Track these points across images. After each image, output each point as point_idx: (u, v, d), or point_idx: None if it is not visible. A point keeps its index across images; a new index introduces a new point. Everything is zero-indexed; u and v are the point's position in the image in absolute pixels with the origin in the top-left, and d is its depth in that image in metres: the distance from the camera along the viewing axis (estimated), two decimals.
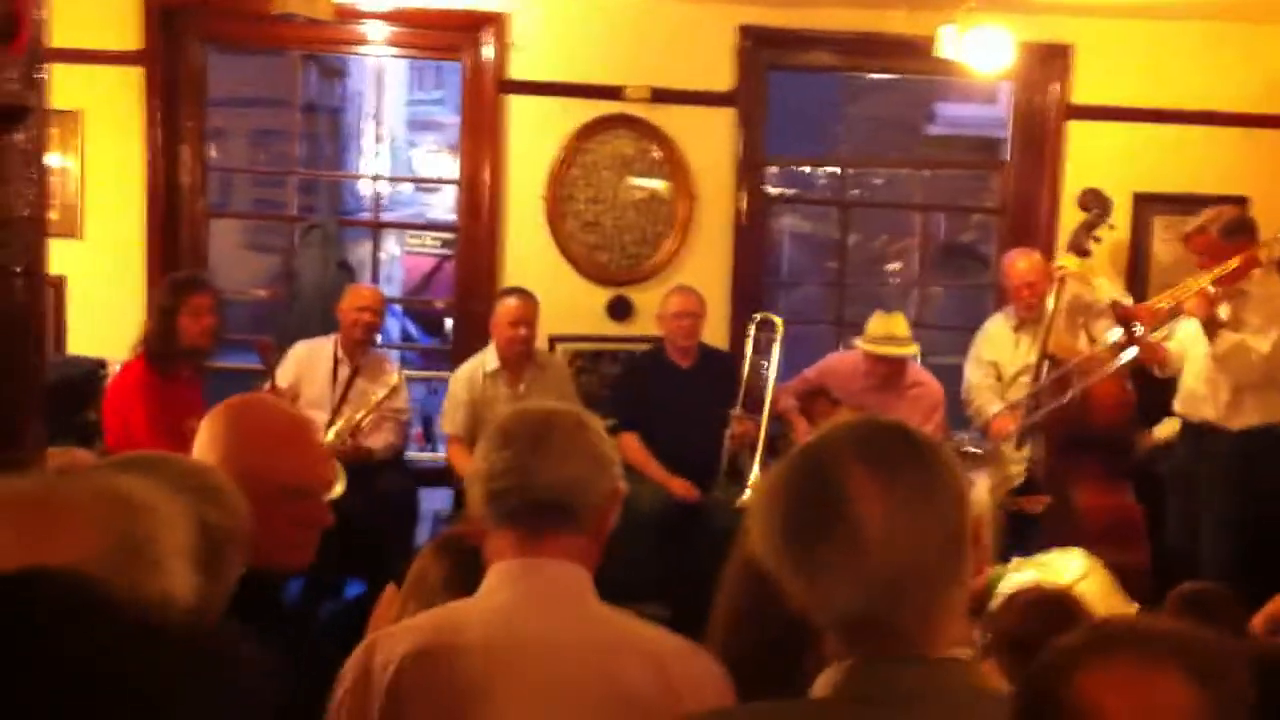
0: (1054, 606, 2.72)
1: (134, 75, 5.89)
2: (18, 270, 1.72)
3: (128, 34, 5.85)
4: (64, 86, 5.42)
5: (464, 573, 2.21)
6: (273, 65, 11.46)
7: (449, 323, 8.74)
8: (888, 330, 5.79)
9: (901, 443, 1.36)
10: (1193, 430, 5.08)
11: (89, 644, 0.92)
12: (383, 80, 15.89)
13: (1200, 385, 5.01)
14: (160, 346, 4.99)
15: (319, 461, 2.16)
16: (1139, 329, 4.95)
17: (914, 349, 5.86)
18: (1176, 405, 5.18)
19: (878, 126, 10.86)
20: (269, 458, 2.00)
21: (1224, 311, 4.84)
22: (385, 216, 12.80)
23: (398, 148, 19.15)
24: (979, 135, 10.78)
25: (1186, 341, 5.04)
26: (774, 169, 6.64)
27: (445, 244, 13.76)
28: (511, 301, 5.56)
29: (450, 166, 19.36)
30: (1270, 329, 4.81)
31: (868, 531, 1.29)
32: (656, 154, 6.16)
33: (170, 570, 1.23)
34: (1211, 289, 4.78)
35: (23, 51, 1.65)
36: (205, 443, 2.02)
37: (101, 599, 0.99)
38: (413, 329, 13.43)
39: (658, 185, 6.19)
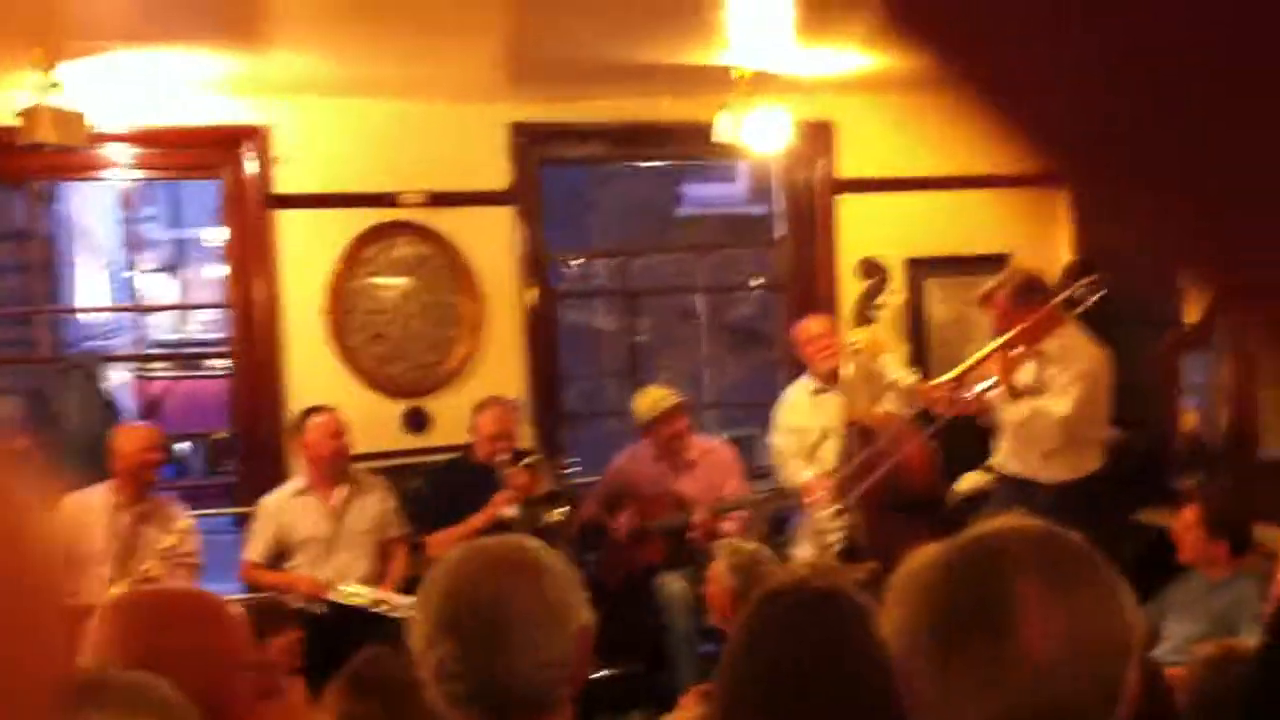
0: None
1: None
2: None
3: None
4: None
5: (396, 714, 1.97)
6: None
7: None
8: (650, 397, 5.78)
9: (1085, 563, 1.24)
10: (1010, 483, 5.17)
11: None
12: (98, 202, 15.02)
13: (1011, 442, 5.12)
14: None
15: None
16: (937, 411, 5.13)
17: (677, 397, 5.82)
18: (995, 460, 5.28)
19: (629, 213, 10.95)
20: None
21: (1028, 374, 4.95)
22: (109, 344, 11.98)
23: (114, 271, 18.11)
24: (725, 214, 11.04)
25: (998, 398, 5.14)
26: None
27: (173, 366, 13.01)
28: (322, 417, 5.32)
29: (169, 286, 18.43)
30: (1071, 388, 4.93)
31: (1028, 649, 1.16)
32: (438, 258, 5.96)
33: None
34: (1010, 354, 4.89)
35: None
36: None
37: None
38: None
39: (443, 291, 5.98)
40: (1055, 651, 1.16)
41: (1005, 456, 5.18)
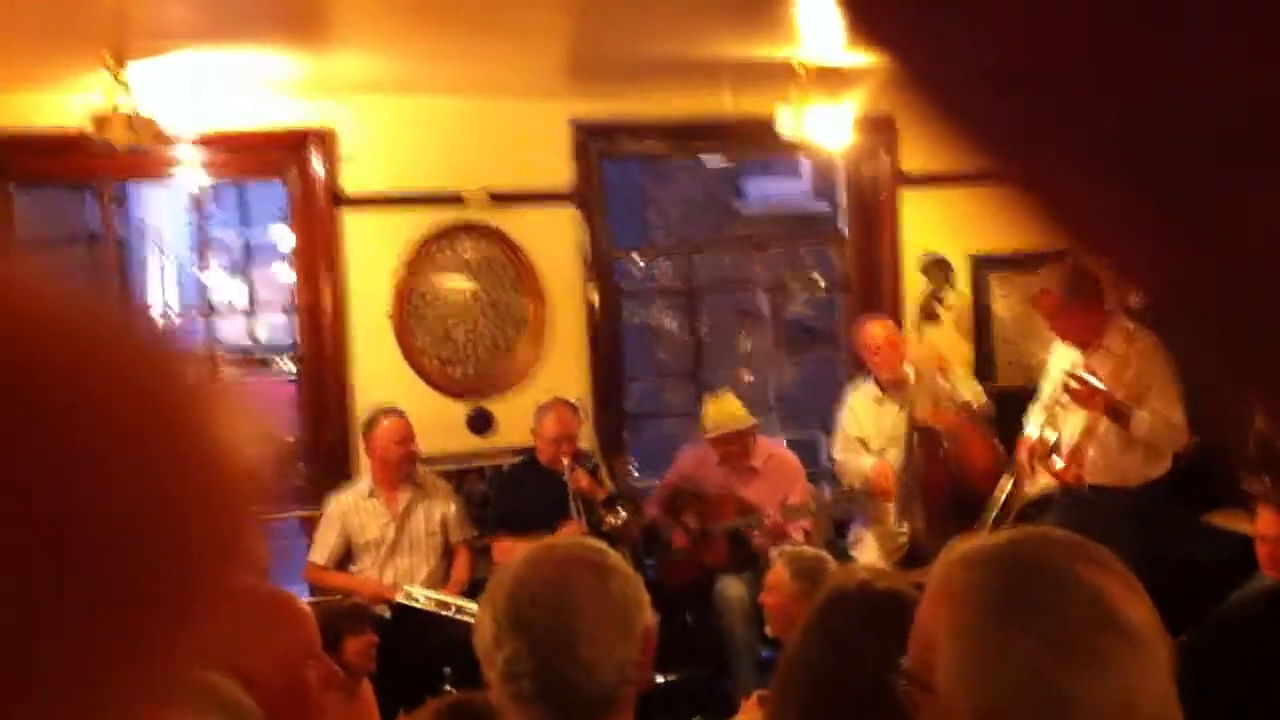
0: None
1: None
2: None
3: None
4: None
5: None
6: (50, 198, 10.76)
7: None
8: (722, 410, 5.71)
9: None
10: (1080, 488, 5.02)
11: None
12: (167, 203, 15.27)
13: (1098, 450, 4.93)
14: None
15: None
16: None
17: (750, 420, 5.76)
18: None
19: (690, 209, 10.92)
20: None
21: (1115, 383, 4.77)
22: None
23: (183, 272, 18.37)
24: (788, 210, 10.97)
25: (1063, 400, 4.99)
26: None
27: (241, 367, 13.15)
28: (390, 420, 5.35)
29: (238, 287, 18.66)
30: (1166, 386, 4.74)
31: (1142, 631, 1.15)
32: (502, 259, 5.98)
33: None
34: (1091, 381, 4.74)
35: None
36: None
37: None
38: None
39: (507, 292, 6.00)
40: (1151, 632, 1.16)
41: (1088, 466, 4.98)
